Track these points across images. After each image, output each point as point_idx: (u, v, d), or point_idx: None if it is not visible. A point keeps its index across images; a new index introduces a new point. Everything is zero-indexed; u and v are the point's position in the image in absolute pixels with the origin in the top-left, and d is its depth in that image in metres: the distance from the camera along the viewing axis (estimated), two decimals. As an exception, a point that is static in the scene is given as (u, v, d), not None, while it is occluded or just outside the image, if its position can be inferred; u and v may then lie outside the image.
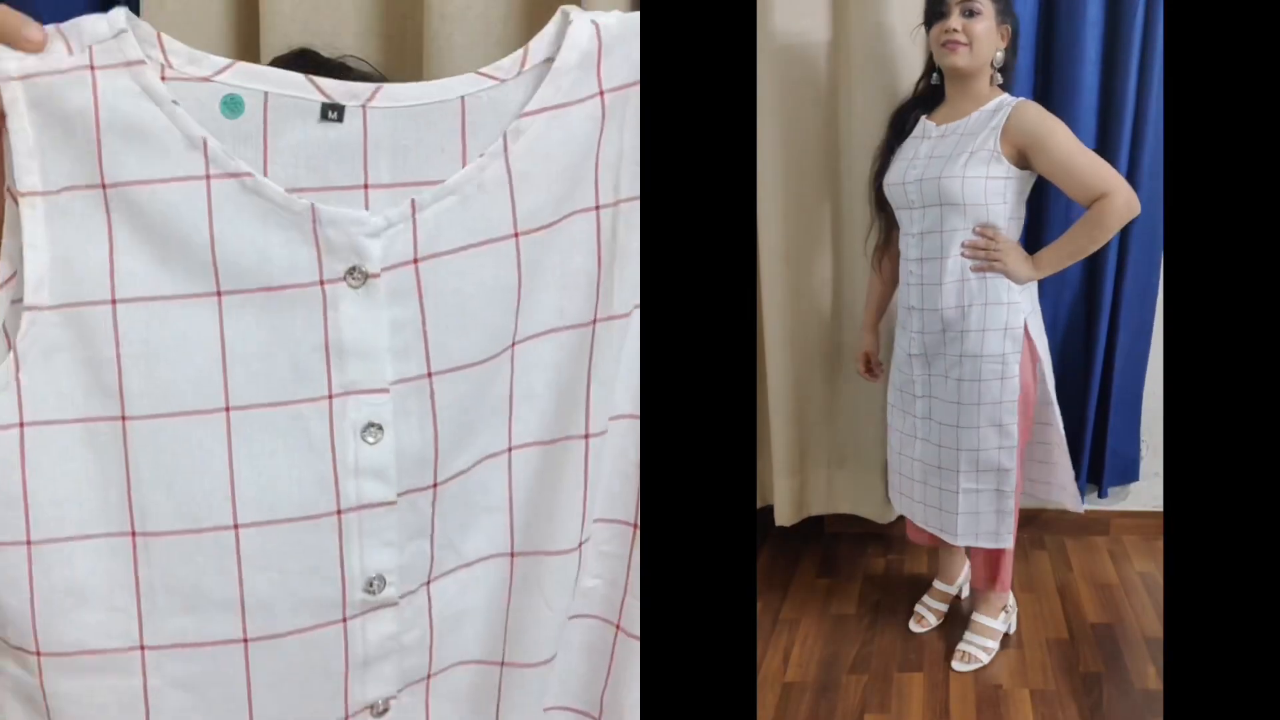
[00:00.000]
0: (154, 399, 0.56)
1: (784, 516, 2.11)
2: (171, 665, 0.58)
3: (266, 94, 0.55)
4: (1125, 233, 1.79)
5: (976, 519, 1.63)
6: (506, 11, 1.19)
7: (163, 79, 0.54)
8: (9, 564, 0.54)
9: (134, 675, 0.58)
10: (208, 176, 0.54)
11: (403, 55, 1.23)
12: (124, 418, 0.55)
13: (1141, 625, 1.81)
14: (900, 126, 1.67)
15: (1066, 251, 1.54)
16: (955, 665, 1.70)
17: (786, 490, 2.09)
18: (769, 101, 1.87)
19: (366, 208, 0.57)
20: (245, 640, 0.59)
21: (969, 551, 1.77)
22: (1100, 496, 2.07)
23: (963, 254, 1.54)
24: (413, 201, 0.57)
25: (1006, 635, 1.76)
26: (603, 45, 0.60)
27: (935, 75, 1.64)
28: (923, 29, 1.62)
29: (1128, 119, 1.81)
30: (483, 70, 0.59)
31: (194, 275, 0.55)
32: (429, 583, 0.63)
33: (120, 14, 0.54)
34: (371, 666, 0.61)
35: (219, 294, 0.55)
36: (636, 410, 0.65)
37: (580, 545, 0.64)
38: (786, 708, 1.61)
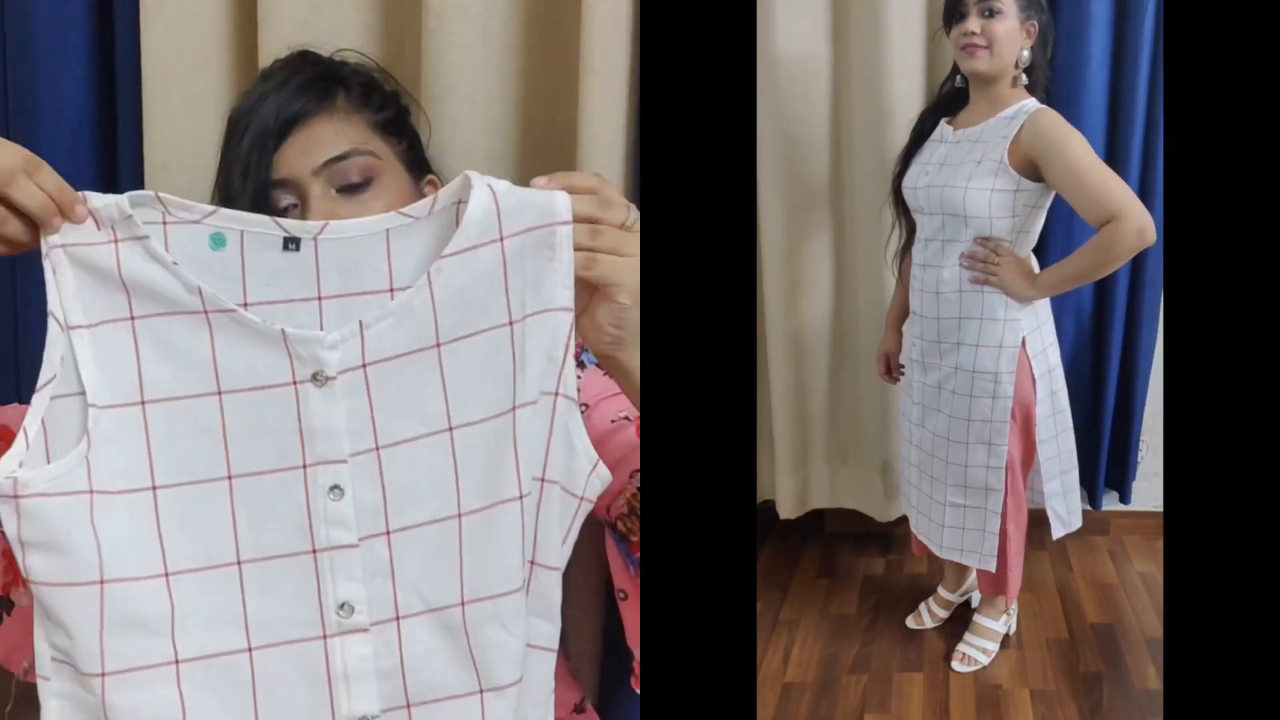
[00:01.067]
0: (175, 472, 0.77)
1: (786, 511, 2.12)
2: (198, 674, 0.78)
3: (242, 232, 0.77)
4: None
5: (961, 535, 1.60)
6: (505, 11, 1.19)
7: (164, 224, 0.76)
8: (87, 599, 0.74)
9: (172, 685, 0.77)
10: (205, 312, 0.76)
11: (401, 55, 1.23)
12: (154, 488, 0.76)
13: (1141, 625, 1.81)
14: (921, 130, 1.62)
15: (1069, 274, 1.47)
16: (955, 666, 1.69)
17: (789, 487, 2.10)
18: (770, 103, 1.87)
19: (320, 314, 0.78)
20: (249, 650, 0.78)
21: None
22: (1122, 502, 2.06)
23: (961, 264, 1.51)
24: (360, 322, 0.77)
25: (1006, 636, 1.76)
26: (499, 206, 0.76)
27: (959, 78, 1.58)
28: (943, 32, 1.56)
29: (1138, 125, 1.77)
30: (402, 210, 0.78)
31: (201, 380, 0.77)
32: (399, 620, 0.79)
33: (125, 200, 0.74)
34: (354, 683, 0.79)
35: (219, 393, 0.77)
36: (542, 475, 0.80)
37: (526, 585, 0.79)
38: (786, 708, 1.61)
